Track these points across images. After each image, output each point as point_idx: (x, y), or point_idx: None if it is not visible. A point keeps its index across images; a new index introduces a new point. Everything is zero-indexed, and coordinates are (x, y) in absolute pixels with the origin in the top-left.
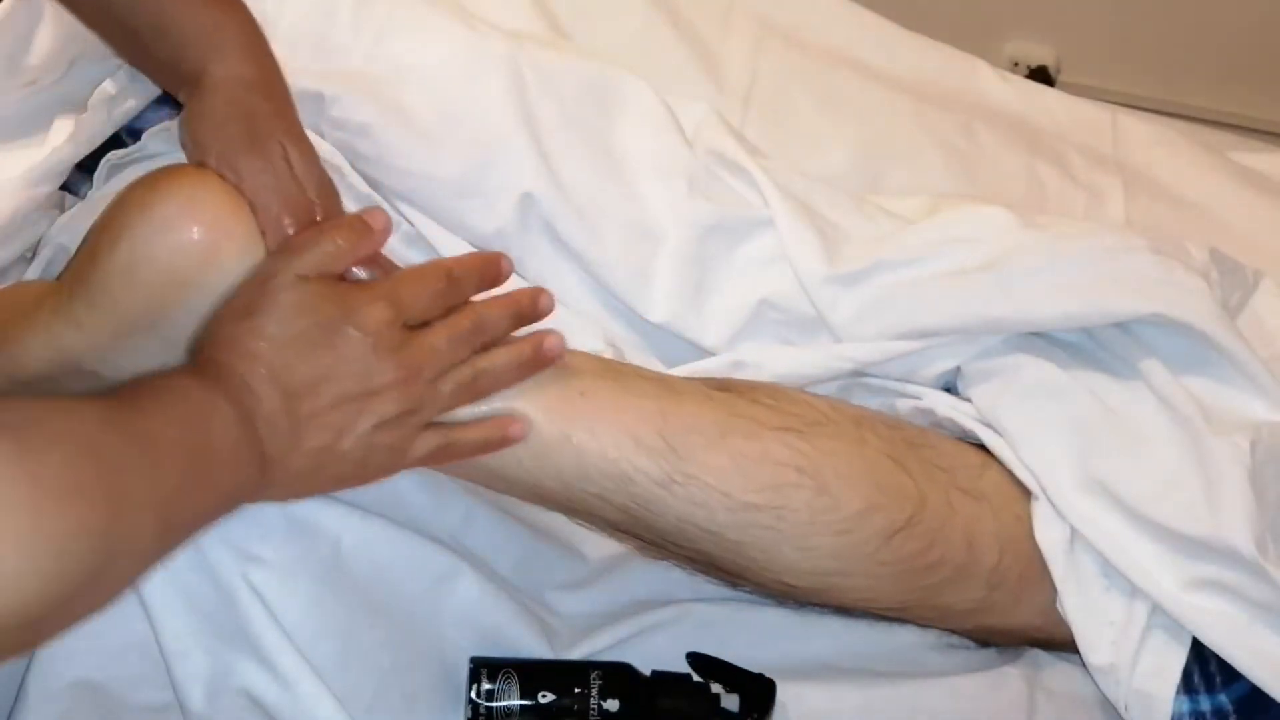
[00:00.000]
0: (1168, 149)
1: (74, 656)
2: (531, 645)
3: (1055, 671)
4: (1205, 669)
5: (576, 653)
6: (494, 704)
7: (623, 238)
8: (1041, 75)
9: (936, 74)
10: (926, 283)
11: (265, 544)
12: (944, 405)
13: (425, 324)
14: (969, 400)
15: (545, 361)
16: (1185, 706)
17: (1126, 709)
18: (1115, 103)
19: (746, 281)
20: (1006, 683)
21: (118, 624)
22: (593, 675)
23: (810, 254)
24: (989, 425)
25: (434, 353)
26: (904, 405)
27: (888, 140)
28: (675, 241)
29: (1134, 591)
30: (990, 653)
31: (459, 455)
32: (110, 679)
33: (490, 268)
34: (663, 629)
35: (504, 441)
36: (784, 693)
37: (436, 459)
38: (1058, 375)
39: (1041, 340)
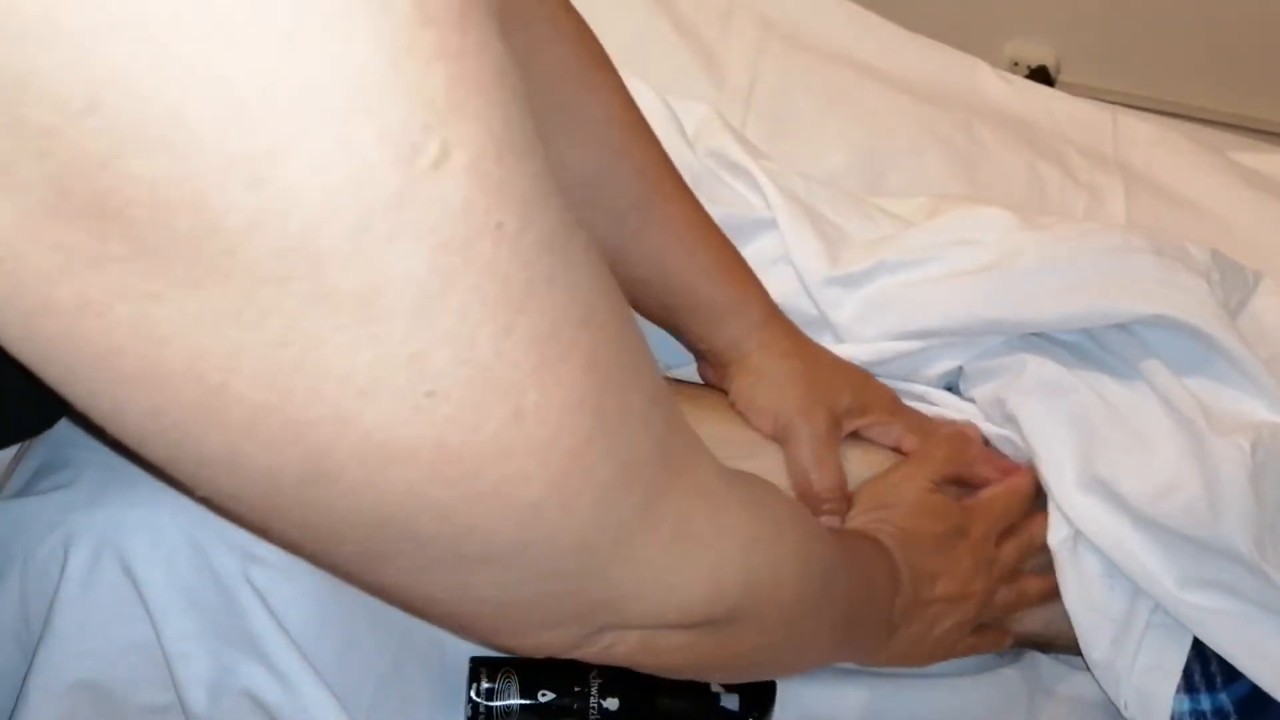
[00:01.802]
0: (1168, 149)
1: (75, 658)
2: None
3: (1055, 672)
4: (1206, 668)
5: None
6: (494, 703)
7: None
8: (1041, 75)
9: (937, 74)
10: (928, 283)
11: (267, 544)
12: (949, 405)
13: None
14: (972, 400)
15: (1051, 599)
16: (1185, 705)
17: (1126, 707)
18: (1115, 103)
19: None
20: (1006, 683)
21: (119, 625)
22: (592, 674)
23: (812, 255)
24: (993, 424)
25: (1008, 568)
26: (909, 405)
27: (888, 140)
28: None
29: (1136, 590)
30: (990, 653)
31: (965, 655)
32: (112, 680)
33: (1034, 482)
34: None
35: (996, 650)
36: (784, 693)
37: (959, 655)
38: (1060, 374)
39: (1043, 340)
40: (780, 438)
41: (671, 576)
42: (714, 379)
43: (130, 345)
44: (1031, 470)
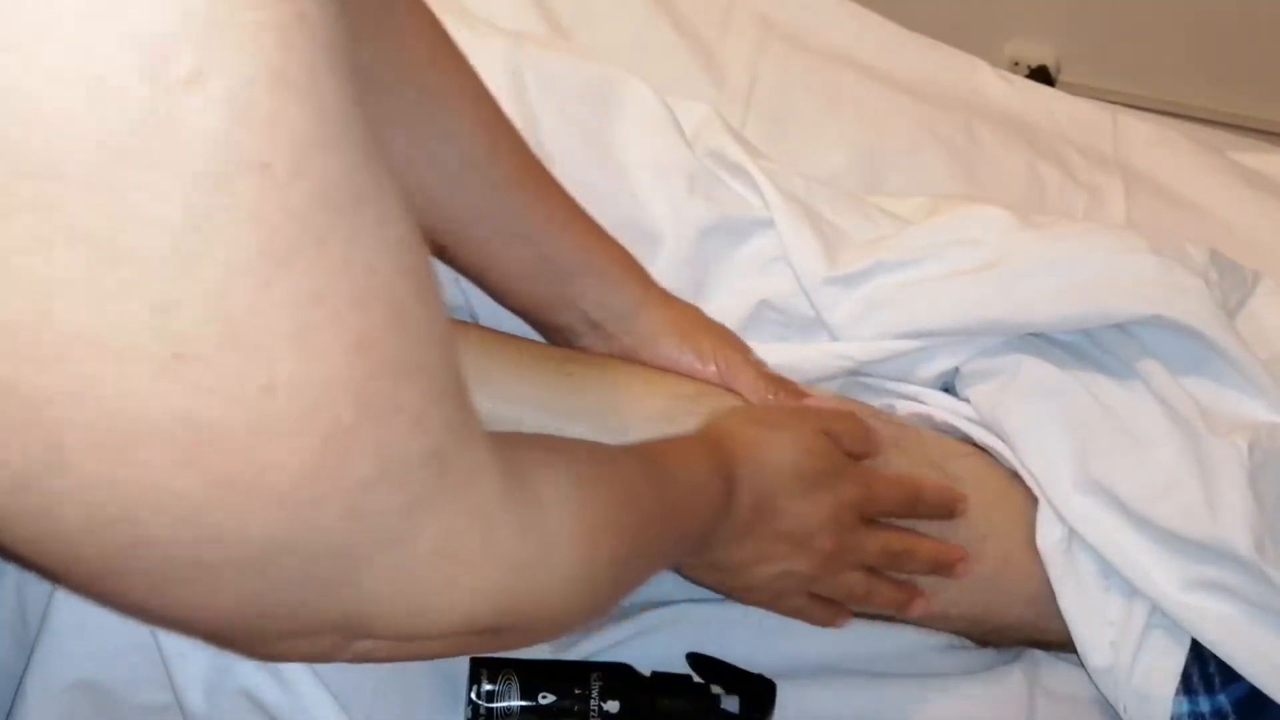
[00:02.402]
0: (1168, 149)
1: (74, 657)
2: (533, 649)
3: (1055, 671)
4: (1204, 670)
5: (576, 653)
6: (494, 704)
7: (622, 238)
8: (1041, 75)
9: (936, 74)
10: (926, 283)
11: None
12: (942, 406)
13: (873, 521)
14: (967, 400)
15: (909, 616)
16: (1184, 707)
17: (1125, 710)
18: (1115, 103)
19: (746, 282)
20: (1006, 683)
21: (118, 625)
22: (593, 676)
23: (810, 254)
24: (986, 426)
25: (862, 551)
26: (902, 405)
27: (888, 140)
28: (675, 242)
29: (1133, 592)
30: (990, 653)
31: (794, 617)
32: (110, 679)
33: (951, 505)
34: (662, 629)
35: (832, 627)
36: (784, 693)
37: (786, 614)
38: (1057, 375)
39: (1040, 340)
40: (720, 376)
41: (426, 597)
42: (611, 348)
43: None
44: (938, 485)
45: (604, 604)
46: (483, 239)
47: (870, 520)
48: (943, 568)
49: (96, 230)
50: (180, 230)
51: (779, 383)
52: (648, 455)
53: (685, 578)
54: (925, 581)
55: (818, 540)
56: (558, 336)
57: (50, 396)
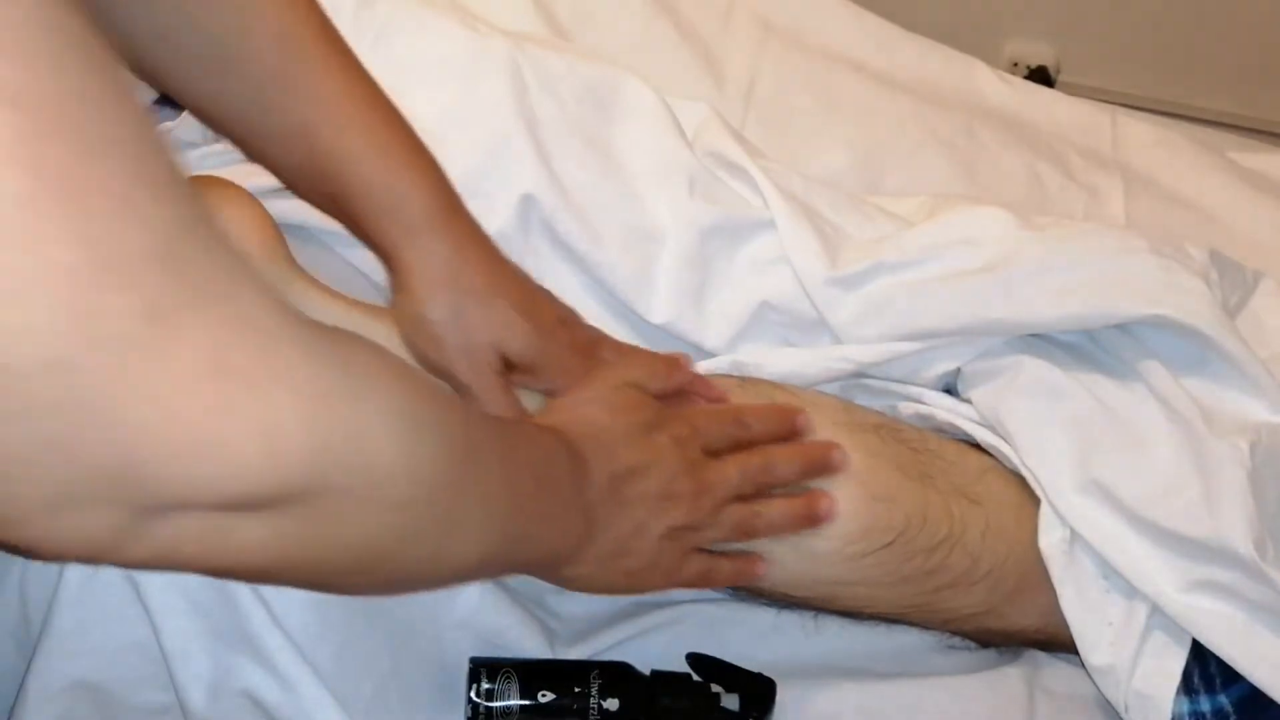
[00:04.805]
0: (1168, 149)
1: (74, 657)
2: (532, 648)
3: (1055, 672)
4: (1205, 670)
5: (576, 653)
6: (494, 704)
7: (623, 239)
8: (1041, 75)
9: (936, 74)
10: (927, 284)
11: None
12: (944, 407)
13: (718, 455)
14: (969, 401)
15: (817, 522)
16: (1185, 707)
17: (1126, 710)
18: (1115, 103)
19: (747, 283)
20: (1006, 683)
21: (118, 624)
22: (592, 675)
23: (811, 255)
24: (989, 427)
25: (724, 478)
26: (904, 407)
27: (888, 141)
28: (676, 243)
29: (1133, 593)
30: (990, 653)
31: (714, 585)
32: (111, 679)
33: (785, 421)
34: (663, 629)
35: (751, 578)
36: (784, 693)
37: (697, 583)
38: (1058, 376)
39: (1041, 341)
40: (446, 379)
41: (210, 425)
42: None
43: None
44: (762, 405)
45: (451, 510)
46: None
47: (715, 453)
48: (815, 465)
49: None
50: None
51: (573, 349)
52: (496, 419)
53: (581, 592)
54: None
55: (677, 484)
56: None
57: None
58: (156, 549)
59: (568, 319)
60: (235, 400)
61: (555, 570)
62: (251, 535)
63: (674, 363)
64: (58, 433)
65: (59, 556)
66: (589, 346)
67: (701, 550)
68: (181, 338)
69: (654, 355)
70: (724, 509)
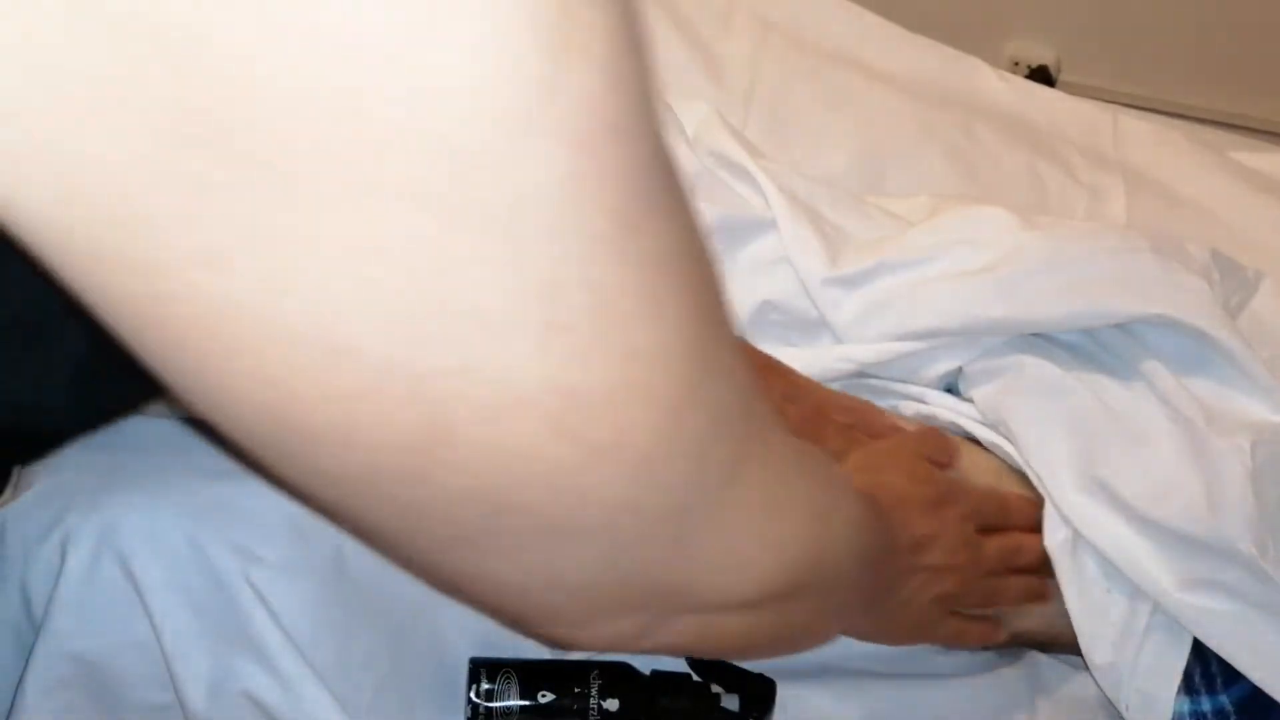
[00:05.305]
0: (1168, 149)
1: (74, 655)
2: (532, 648)
3: (1055, 671)
4: (1206, 669)
5: (576, 653)
6: (494, 704)
7: None
8: (1041, 75)
9: (936, 74)
10: (928, 284)
11: (267, 545)
12: (946, 407)
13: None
14: (971, 401)
15: (1044, 600)
16: (1186, 707)
17: (1127, 709)
18: (1115, 103)
19: (748, 283)
20: (1006, 683)
21: (118, 624)
22: (592, 675)
23: (812, 255)
24: (991, 426)
25: (988, 556)
26: (906, 407)
27: (889, 140)
28: None
29: (1135, 592)
30: (990, 653)
31: (961, 645)
32: (110, 678)
33: (1033, 515)
34: None
35: (993, 641)
36: (784, 693)
37: (947, 642)
38: (1059, 376)
39: (1043, 341)
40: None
41: (750, 550)
42: None
43: (250, 298)
44: (1018, 495)
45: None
46: None
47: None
48: (1042, 561)
49: (498, 204)
50: (561, 196)
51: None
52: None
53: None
54: None
55: (957, 557)
56: None
57: (436, 373)
58: (661, 642)
59: (791, 394)
60: (772, 528)
61: (854, 621)
62: (732, 625)
63: (949, 442)
64: (650, 562)
65: (571, 647)
66: (816, 415)
67: (955, 613)
68: (748, 477)
69: (932, 430)
70: (979, 580)
